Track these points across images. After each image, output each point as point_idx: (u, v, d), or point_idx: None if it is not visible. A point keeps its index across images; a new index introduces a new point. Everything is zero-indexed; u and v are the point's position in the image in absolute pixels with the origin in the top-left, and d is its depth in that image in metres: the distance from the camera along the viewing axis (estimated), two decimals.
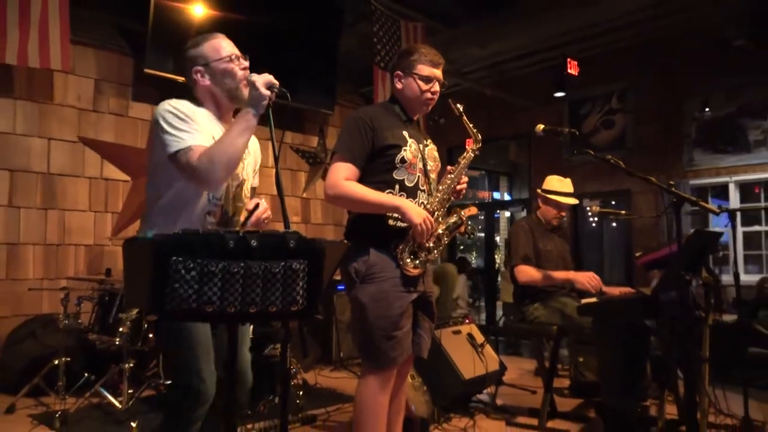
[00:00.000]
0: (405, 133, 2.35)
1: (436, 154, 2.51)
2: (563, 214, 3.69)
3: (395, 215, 2.26)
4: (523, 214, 8.89)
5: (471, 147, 2.43)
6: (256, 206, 2.05)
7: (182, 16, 4.83)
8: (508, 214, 10.81)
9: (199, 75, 1.98)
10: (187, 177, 1.83)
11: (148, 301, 1.30)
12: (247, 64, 2.00)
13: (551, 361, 3.42)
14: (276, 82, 1.87)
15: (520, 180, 9.91)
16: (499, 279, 8.48)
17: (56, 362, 3.69)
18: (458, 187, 2.38)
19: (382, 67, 5.89)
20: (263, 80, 1.86)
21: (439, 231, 2.33)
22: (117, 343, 3.56)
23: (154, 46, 4.72)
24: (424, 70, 2.40)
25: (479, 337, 4.02)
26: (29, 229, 4.46)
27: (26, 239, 4.45)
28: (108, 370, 3.80)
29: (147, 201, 1.96)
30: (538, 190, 3.71)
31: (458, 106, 2.43)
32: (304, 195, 6.20)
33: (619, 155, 6.84)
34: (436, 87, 2.41)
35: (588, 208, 3.96)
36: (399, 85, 2.40)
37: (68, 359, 3.74)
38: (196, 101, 1.99)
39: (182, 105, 1.90)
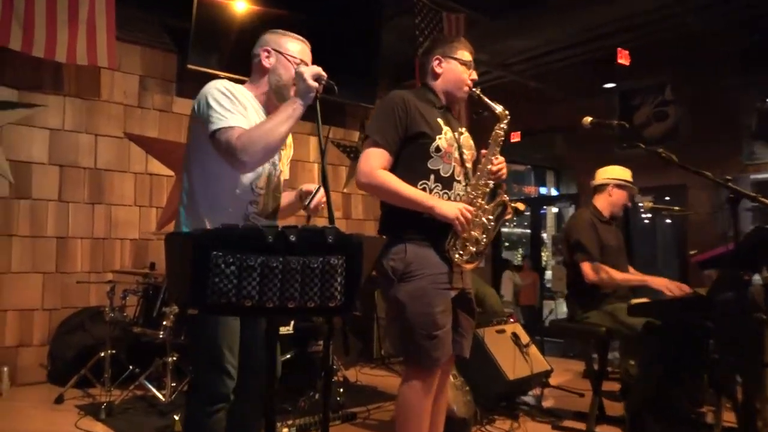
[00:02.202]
0: (440, 120, 2.32)
1: (471, 142, 2.47)
2: (630, 203, 3.61)
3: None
4: (572, 209, 8.72)
5: (498, 125, 2.36)
6: (317, 189, 2.09)
7: (225, 11, 4.91)
8: (555, 209, 10.62)
9: (265, 54, 2.05)
10: (223, 156, 1.85)
11: (189, 295, 1.33)
12: None
13: (600, 364, 3.33)
14: (324, 74, 1.89)
15: (567, 175, 9.69)
16: (549, 276, 8.34)
17: (102, 354, 3.81)
18: (493, 168, 2.32)
19: None
20: (311, 72, 1.87)
21: (484, 219, 2.30)
22: (161, 336, 3.64)
23: (198, 42, 4.81)
24: (465, 55, 2.40)
25: (524, 337, 3.96)
26: (77, 223, 4.62)
27: (74, 233, 4.60)
28: (152, 362, 3.90)
29: (187, 190, 1.97)
30: (606, 178, 3.60)
31: (475, 90, 2.39)
32: (345, 190, 6.23)
33: (673, 148, 6.65)
34: (475, 74, 2.41)
35: (641, 204, 3.84)
36: (439, 69, 2.38)
37: (114, 351, 3.86)
38: (248, 85, 2.06)
39: (234, 87, 1.94)
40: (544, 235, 10.32)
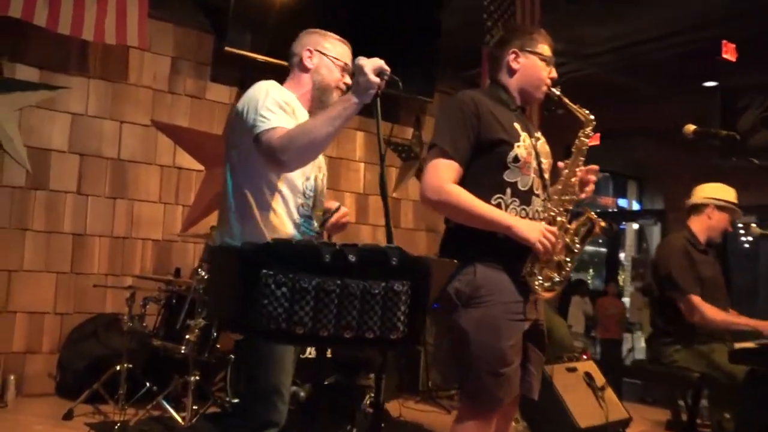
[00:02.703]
0: (517, 125, 2.32)
1: (547, 149, 2.47)
2: (730, 228, 3.55)
3: None
4: (657, 228, 8.53)
5: (582, 132, 2.37)
6: (336, 209, 2.23)
7: None
8: (636, 226, 10.41)
9: (307, 53, 2.24)
10: (264, 157, 1.99)
11: (234, 318, 1.36)
12: (349, 82, 2.15)
13: (690, 415, 3.25)
14: (387, 67, 1.92)
15: (653, 186, 9.49)
16: (625, 303, 8.17)
17: (118, 368, 3.91)
18: (573, 179, 2.32)
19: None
20: (372, 65, 1.89)
21: (567, 240, 2.28)
22: (182, 351, 3.72)
23: (237, 22, 4.91)
24: (545, 49, 2.39)
25: (599, 378, 3.89)
26: (96, 219, 4.76)
27: (93, 230, 4.74)
28: (172, 380, 3.98)
29: (232, 194, 2.10)
30: (706, 198, 3.52)
31: (554, 90, 2.39)
32: (394, 195, 6.25)
33: None
34: (554, 72, 2.41)
35: (741, 226, 3.73)
36: (515, 64, 2.37)
37: (130, 366, 3.95)
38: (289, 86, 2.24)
39: (282, 91, 2.11)
40: (622, 256, 10.12)
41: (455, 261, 1.72)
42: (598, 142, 6.87)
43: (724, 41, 5.62)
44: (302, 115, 2.14)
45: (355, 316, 1.38)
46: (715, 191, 3.53)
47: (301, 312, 1.35)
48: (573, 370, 3.85)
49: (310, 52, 2.23)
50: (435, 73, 5.98)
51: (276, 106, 2.02)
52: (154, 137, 5.02)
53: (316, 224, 2.21)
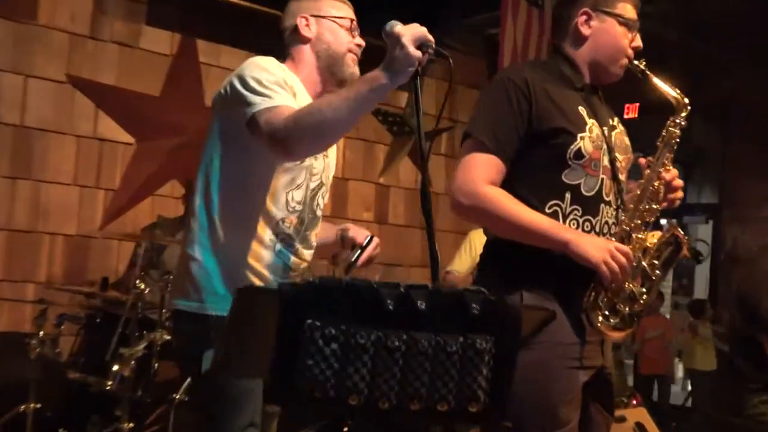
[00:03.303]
0: (582, 110, 2.31)
1: (627, 141, 2.46)
2: None
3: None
4: (708, 227, 8.66)
5: (673, 120, 2.36)
6: (369, 240, 2.30)
7: None
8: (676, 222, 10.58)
9: (304, 21, 2.29)
10: (264, 141, 2.05)
11: (268, 381, 1.35)
12: (362, 42, 2.29)
13: None
14: (431, 37, 1.90)
15: (705, 174, 9.64)
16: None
17: (22, 408, 3.85)
18: (657, 183, 2.30)
19: None
20: (413, 34, 1.86)
21: (644, 264, 2.30)
22: (108, 386, 3.70)
23: None
24: (627, 10, 2.38)
25: (652, 428, 3.97)
26: None
27: None
28: (92, 424, 3.94)
29: (203, 201, 2.22)
30: None
31: (638, 63, 2.38)
32: (382, 180, 6.25)
33: None
34: (639, 40, 2.39)
35: None
36: (587, 29, 2.36)
37: (38, 405, 3.89)
38: (289, 65, 2.30)
39: (276, 67, 2.17)
40: None
41: (552, 311, 1.72)
42: (636, 115, 7.01)
43: None
44: (303, 95, 2.22)
45: (425, 382, 1.37)
46: None
47: (356, 376, 1.34)
48: (622, 419, 3.91)
49: (306, 19, 2.29)
50: (438, 24, 5.97)
51: (275, 85, 2.07)
52: (70, 97, 4.95)
53: (305, 252, 2.29)
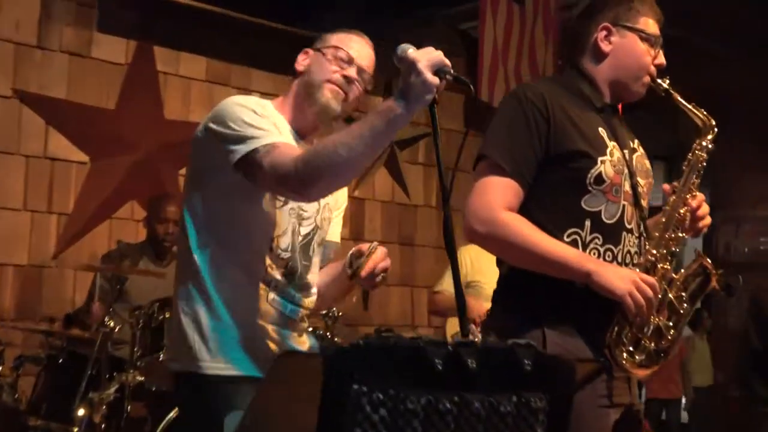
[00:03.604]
0: (602, 132, 2.34)
1: (648, 164, 2.50)
2: None
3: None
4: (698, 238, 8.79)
5: (699, 142, 2.40)
6: (372, 249, 2.26)
7: None
8: None
9: (301, 56, 2.36)
10: (269, 185, 2.12)
11: None
12: (355, 77, 2.28)
13: None
14: (448, 62, 1.92)
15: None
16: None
17: None
18: (683, 209, 2.34)
19: None
20: (429, 59, 1.87)
21: (671, 296, 2.33)
22: None
23: None
24: (650, 26, 2.42)
25: None
26: None
27: None
28: None
29: (185, 248, 2.29)
30: None
31: (661, 82, 2.42)
32: (357, 194, 6.27)
33: None
34: (662, 57, 2.43)
35: None
36: (606, 45, 2.40)
37: None
38: (277, 102, 2.37)
39: (254, 101, 2.22)
40: None
41: (602, 364, 1.75)
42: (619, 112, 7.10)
43: None
44: (289, 135, 2.25)
45: None
46: None
47: None
48: None
49: (305, 54, 2.36)
50: (411, 26, 6.01)
51: (261, 119, 2.12)
52: (17, 114, 4.90)
53: (305, 299, 2.33)
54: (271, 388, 1.44)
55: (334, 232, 2.48)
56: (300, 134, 2.29)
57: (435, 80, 1.86)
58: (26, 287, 4.88)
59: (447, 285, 4.94)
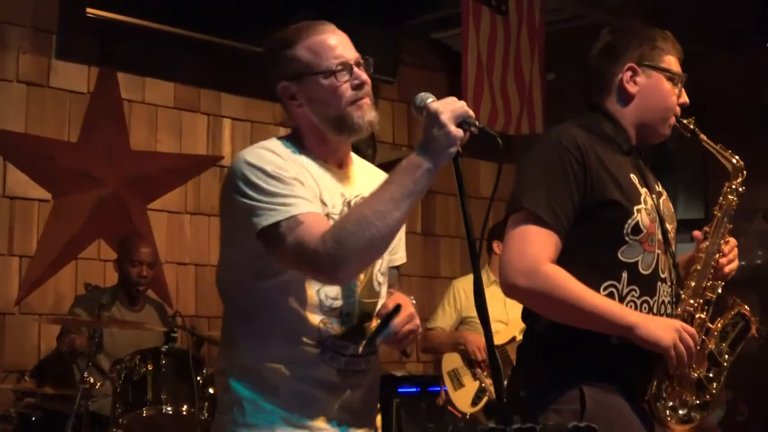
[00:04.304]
0: (634, 179, 2.40)
1: (671, 207, 2.55)
2: None
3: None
4: (690, 246, 8.90)
5: (729, 185, 2.48)
6: (396, 309, 2.13)
7: None
8: None
9: (287, 97, 2.18)
10: (293, 263, 2.03)
11: None
12: (364, 77, 2.15)
13: None
14: (471, 112, 1.96)
15: (682, 180, 9.82)
16: None
17: None
18: (722, 260, 2.42)
19: None
20: (452, 111, 1.92)
21: (711, 346, 2.39)
22: None
23: None
24: (673, 64, 2.48)
25: None
26: None
27: None
28: None
29: (225, 305, 2.26)
30: None
31: (687, 122, 2.49)
32: None
33: None
34: (685, 95, 2.49)
35: None
36: (633, 87, 2.44)
37: None
38: (291, 137, 2.24)
39: (270, 155, 2.11)
40: None
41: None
42: None
43: None
44: (310, 182, 2.13)
45: None
46: None
47: None
48: None
49: (287, 93, 2.18)
50: (395, 44, 6.08)
51: (273, 182, 2.02)
52: None
53: (354, 345, 2.20)
54: None
55: (400, 254, 2.39)
56: (325, 158, 2.19)
57: (459, 132, 1.91)
58: None
59: (440, 322, 5.01)
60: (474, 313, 4.66)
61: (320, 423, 2.12)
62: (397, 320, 2.11)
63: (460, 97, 5.57)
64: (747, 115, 7.27)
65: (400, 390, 5.34)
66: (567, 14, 6.93)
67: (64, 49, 5.19)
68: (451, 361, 4.99)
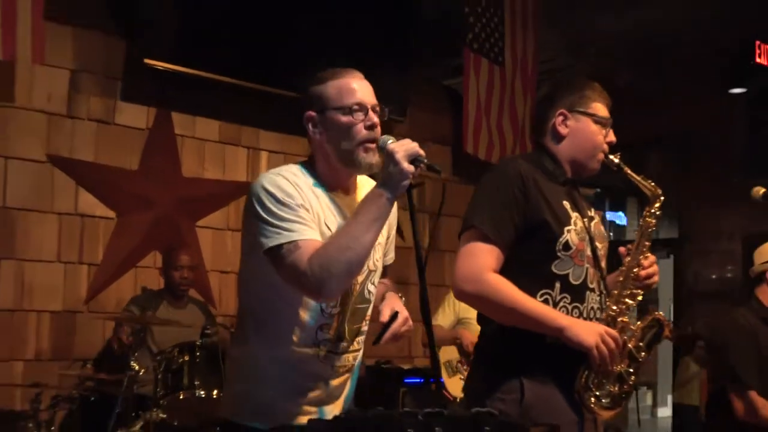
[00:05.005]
0: (566, 204, 2.45)
1: (603, 230, 2.60)
2: None
3: None
4: (669, 261, 8.82)
5: (648, 210, 2.52)
6: (394, 316, 2.20)
7: None
8: None
9: (310, 124, 2.20)
10: (289, 283, 2.07)
11: None
12: (376, 120, 2.16)
13: None
14: (422, 152, 2.02)
15: (664, 207, 9.83)
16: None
17: None
18: (642, 272, 2.45)
19: (475, 49, 6.06)
20: (405, 150, 1.99)
21: (630, 346, 2.41)
22: None
23: (157, 25, 4.97)
24: (600, 109, 2.51)
25: None
26: None
27: None
28: None
29: (240, 312, 2.31)
30: (763, 264, 3.66)
31: (613, 157, 2.51)
32: None
33: None
34: (612, 135, 2.52)
35: None
36: (564, 129, 2.49)
37: None
38: (307, 162, 2.25)
39: (282, 182, 2.12)
40: None
41: (552, 426, 1.82)
42: None
43: (758, 42, 5.96)
44: (316, 205, 2.15)
45: None
46: None
47: None
48: None
49: (311, 121, 2.19)
50: (409, 88, 6.13)
51: (282, 208, 2.05)
52: (50, 176, 4.98)
53: (355, 343, 2.26)
54: None
55: (389, 256, 2.43)
56: (332, 188, 2.19)
57: (411, 168, 1.98)
58: (60, 331, 4.95)
59: (440, 320, 5.06)
60: (469, 314, 4.80)
61: (309, 408, 2.17)
62: (395, 325, 2.17)
63: (461, 133, 5.63)
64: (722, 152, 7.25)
65: (406, 380, 5.47)
66: (558, 64, 6.95)
67: (128, 93, 5.27)
68: (448, 353, 5.06)
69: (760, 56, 5.98)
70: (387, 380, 5.51)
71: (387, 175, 2.01)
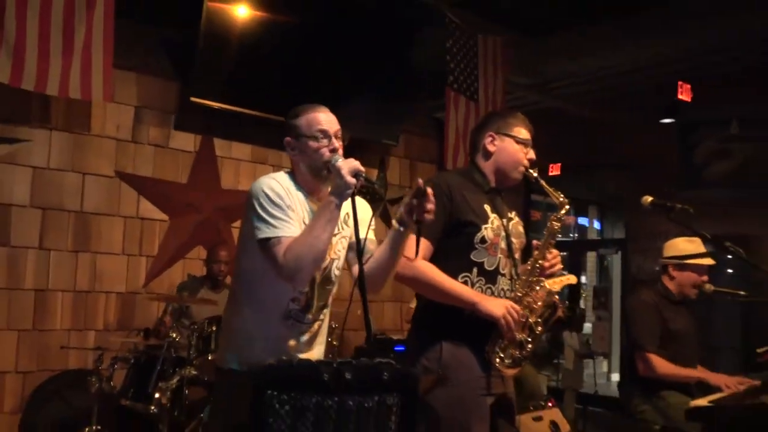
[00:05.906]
0: (486, 207, 2.54)
1: (521, 228, 2.69)
2: (705, 278, 3.68)
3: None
4: (617, 257, 8.88)
5: (554, 216, 2.59)
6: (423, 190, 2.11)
7: (233, 34, 5.13)
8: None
9: (289, 147, 2.28)
10: (272, 268, 2.13)
11: None
12: (337, 145, 2.23)
13: None
14: (362, 168, 2.12)
15: (613, 215, 9.85)
16: (587, 329, 8.38)
17: (87, 430, 4.02)
18: (546, 263, 2.55)
19: (455, 88, 6.13)
20: (348, 167, 2.08)
21: (531, 321, 2.50)
22: (152, 410, 3.88)
23: (203, 71, 5.09)
24: (522, 132, 2.61)
25: (564, 426, 4.15)
26: (59, 274, 4.85)
27: (55, 285, 4.84)
28: None
29: (235, 274, 2.36)
30: (666, 258, 3.75)
31: (531, 171, 2.59)
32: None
33: (741, 193, 6.77)
34: (532, 153, 2.61)
35: (701, 287, 3.78)
36: (492, 147, 2.59)
37: (99, 427, 4.06)
38: (291, 172, 2.31)
39: (276, 186, 2.19)
40: (584, 278, 10.43)
41: (438, 376, 1.92)
42: (558, 173, 7.20)
43: (680, 82, 5.99)
44: (299, 208, 2.21)
45: (351, 430, 1.59)
46: (674, 248, 3.77)
47: (303, 428, 1.56)
48: (539, 419, 4.10)
49: (289, 145, 2.26)
50: (401, 118, 6.22)
51: (273, 207, 2.11)
52: (118, 188, 5.13)
53: (318, 314, 2.30)
54: (219, 394, 1.63)
55: (342, 255, 2.36)
56: (309, 193, 2.26)
57: (353, 180, 2.07)
58: (124, 308, 5.11)
59: (413, 304, 5.09)
60: None
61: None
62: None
63: (443, 155, 5.58)
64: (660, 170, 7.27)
65: (395, 348, 5.48)
66: (527, 101, 7.01)
67: (179, 124, 5.43)
68: None
69: (682, 93, 5.99)
70: (382, 348, 5.59)
71: (335, 186, 2.09)
